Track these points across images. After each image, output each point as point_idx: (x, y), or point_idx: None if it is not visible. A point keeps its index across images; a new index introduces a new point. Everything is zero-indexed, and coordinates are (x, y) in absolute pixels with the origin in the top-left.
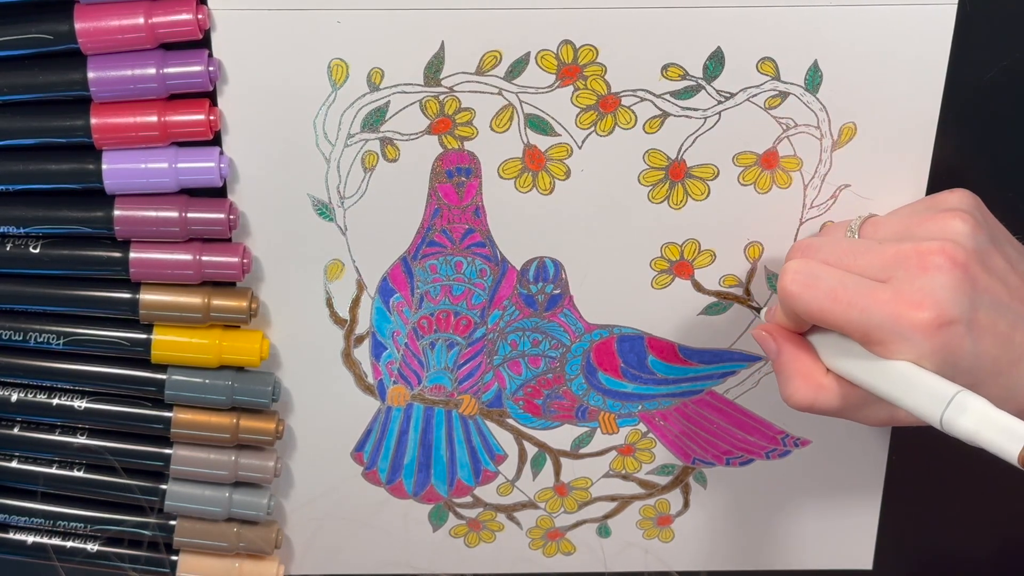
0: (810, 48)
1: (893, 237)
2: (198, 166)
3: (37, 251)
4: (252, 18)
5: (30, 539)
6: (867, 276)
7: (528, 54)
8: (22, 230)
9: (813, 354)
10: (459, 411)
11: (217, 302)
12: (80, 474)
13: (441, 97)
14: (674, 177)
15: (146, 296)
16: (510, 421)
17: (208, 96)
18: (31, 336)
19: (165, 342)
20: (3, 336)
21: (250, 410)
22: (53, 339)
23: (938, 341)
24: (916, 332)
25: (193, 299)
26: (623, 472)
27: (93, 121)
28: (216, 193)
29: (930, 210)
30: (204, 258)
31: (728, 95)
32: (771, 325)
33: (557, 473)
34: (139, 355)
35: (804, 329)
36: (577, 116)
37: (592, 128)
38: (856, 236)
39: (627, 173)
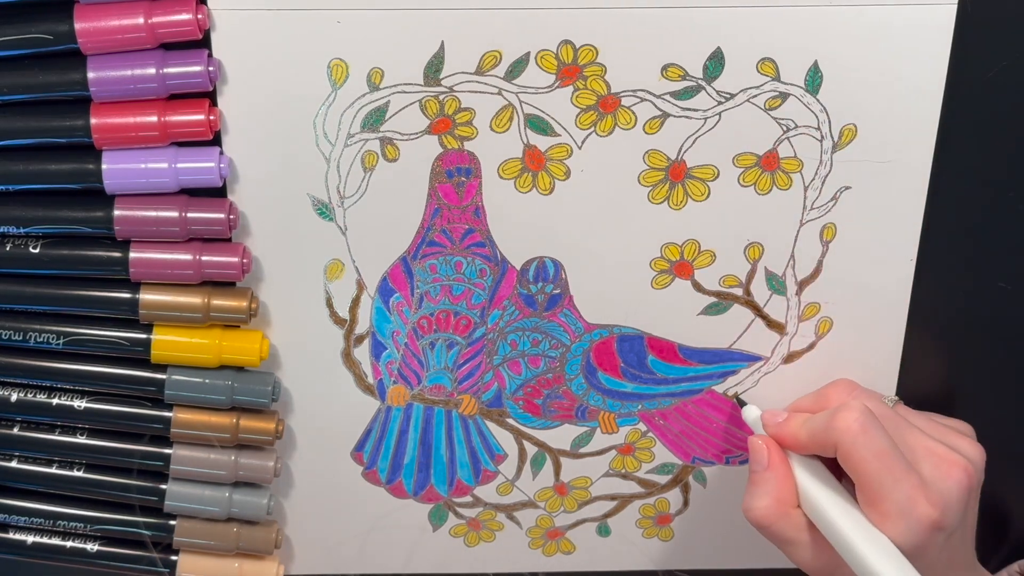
0: (810, 48)
1: (924, 429)
2: (198, 166)
3: (37, 251)
4: (252, 18)
5: (30, 539)
6: (900, 448)
7: (528, 54)
8: (22, 230)
9: (793, 482)
10: (459, 411)
11: (217, 302)
12: (80, 474)
13: (441, 97)
14: (674, 178)
15: (146, 296)
16: (510, 421)
17: (208, 96)
18: (31, 336)
19: (165, 342)
20: (3, 336)
21: (250, 410)
22: (53, 339)
23: (926, 536)
24: (919, 522)
25: (193, 299)
26: (623, 471)
27: (93, 121)
28: (216, 193)
29: (951, 428)
30: (204, 258)
31: (728, 96)
32: (769, 439)
33: (557, 473)
34: (139, 355)
35: (812, 453)
36: (577, 116)
37: (592, 128)
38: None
39: (627, 173)
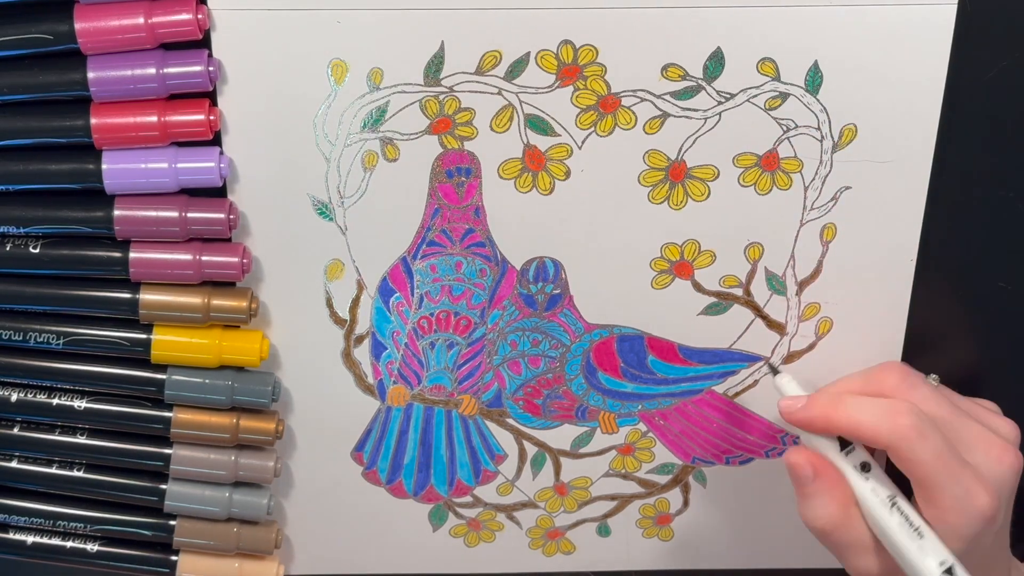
0: (810, 49)
1: (968, 411)
2: (198, 166)
3: (37, 251)
4: (252, 18)
5: (30, 539)
6: (953, 441)
7: (528, 54)
8: (22, 230)
9: (846, 481)
10: (459, 411)
11: (217, 302)
12: (80, 474)
13: (441, 97)
14: (674, 178)
15: (146, 296)
16: (510, 421)
17: (208, 96)
18: (31, 336)
19: (165, 342)
20: (3, 336)
21: (250, 410)
22: (53, 339)
23: (983, 527)
24: (979, 513)
25: (193, 299)
26: (623, 471)
27: (93, 121)
28: (216, 193)
29: (984, 408)
30: (204, 258)
31: (728, 96)
32: (802, 449)
33: (557, 473)
34: (139, 355)
35: (846, 436)
36: (577, 116)
37: (592, 128)
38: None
39: (627, 173)
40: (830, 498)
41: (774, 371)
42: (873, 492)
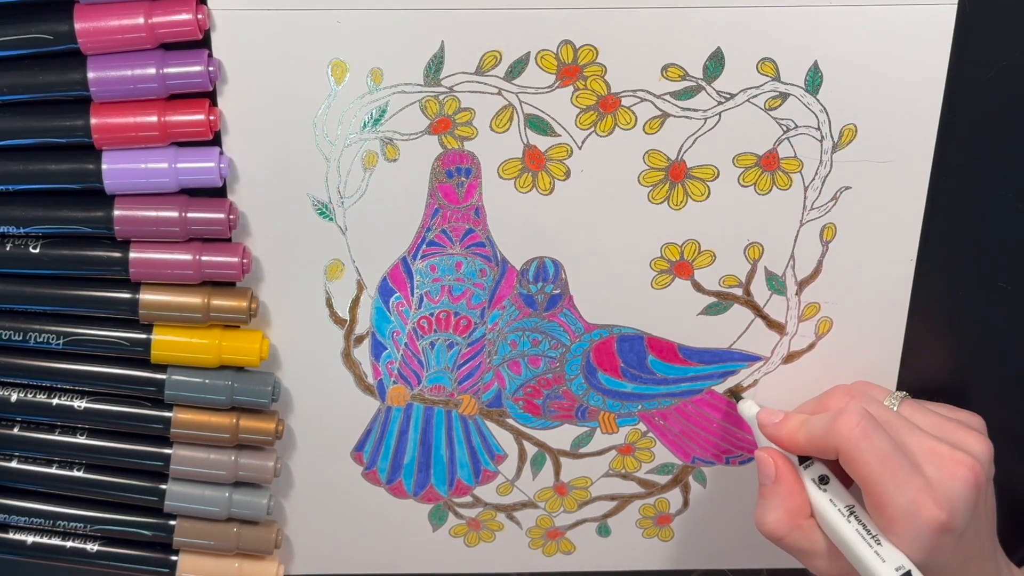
0: (810, 49)
1: (928, 429)
2: (198, 166)
3: (37, 251)
4: (252, 18)
5: (30, 539)
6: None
7: (528, 54)
8: (22, 230)
9: (804, 492)
10: (459, 411)
11: (217, 302)
12: (80, 474)
13: (441, 97)
14: (674, 178)
15: (146, 296)
16: (510, 421)
17: (208, 96)
18: (31, 336)
19: (165, 342)
20: (3, 336)
21: (250, 410)
22: (53, 339)
23: (936, 539)
24: (926, 525)
25: (193, 299)
26: (623, 471)
27: (93, 121)
28: (216, 193)
29: (959, 423)
30: (204, 258)
31: (728, 96)
32: (775, 451)
33: (557, 473)
34: (139, 355)
35: (810, 455)
36: (577, 116)
37: (592, 128)
38: (895, 408)
39: (627, 173)
40: (782, 503)
41: (737, 398)
42: (831, 503)
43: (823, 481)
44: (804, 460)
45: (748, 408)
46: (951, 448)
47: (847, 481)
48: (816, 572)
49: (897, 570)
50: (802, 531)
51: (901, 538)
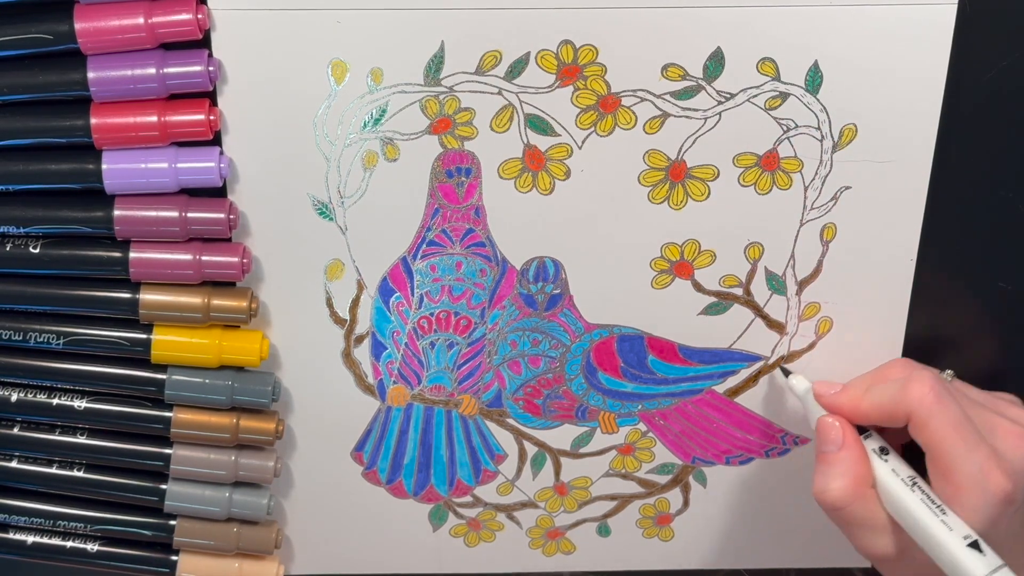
0: (810, 49)
1: (984, 403)
2: (198, 166)
3: (37, 251)
4: (252, 18)
5: (30, 539)
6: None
7: (528, 54)
8: (22, 230)
9: (868, 461)
10: (459, 411)
11: (217, 302)
12: (80, 474)
13: (441, 97)
14: (674, 178)
15: (146, 296)
16: (510, 421)
17: (208, 96)
18: (31, 336)
19: (165, 342)
20: (3, 336)
21: (250, 410)
22: (53, 339)
23: (1000, 510)
24: (993, 494)
25: (193, 299)
26: (623, 471)
27: (93, 121)
28: (216, 193)
29: (1007, 402)
30: (204, 258)
31: (728, 95)
32: (839, 417)
33: (557, 473)
34: (139, 355)
35: (873, 424)
36: (577, 116)
37: (592, 128)
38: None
39: (627, 173)
40: (848, 470)
41: (785, 373)
42: (893, 472)
43: (883, 452)
44: (861, 432)
45: (799, 383)
46: (1010, 422)
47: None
48: (868, 548)
49: (965, 539)
50: (865, 501)
51: (966, 507)
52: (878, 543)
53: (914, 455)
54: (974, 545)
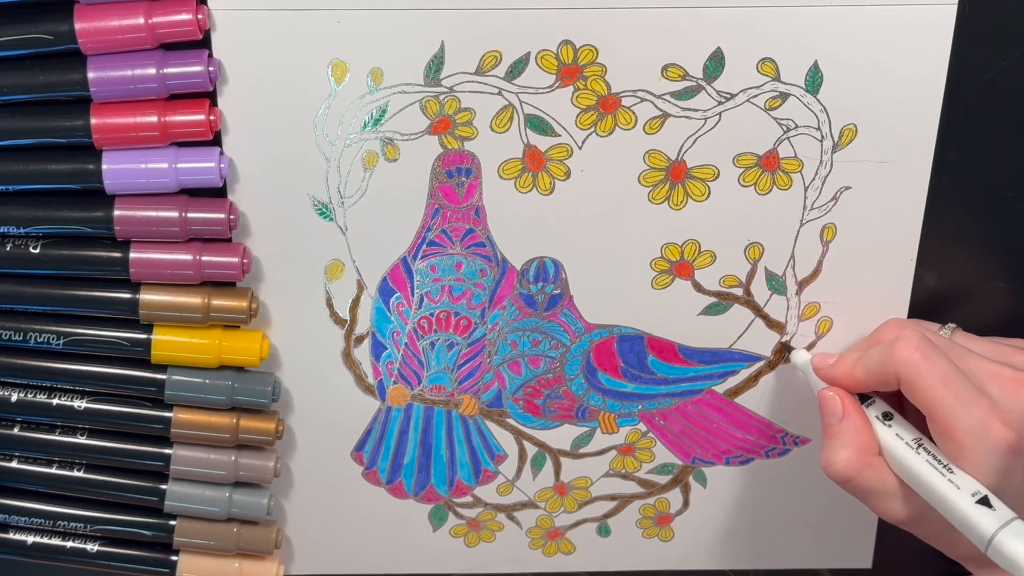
0: (810, 49)
1: (985, 354)
2: (198, 166)
3: (37, 251)
4: (252, 18)
5: (30, 539)
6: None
7: (528, 54)
8: (22, 230)
9: (871, 429)
10: (459, 411)
11: (217, 302)
12: (80, 474)
13: (441, 97)
14: (674, 178)
15: (146, 296)
16: (510, 421)
17: (208, 96)
18: (31, 336)
19: (165, 342)
20: (3, 336)
21: (250, 410)
22: (53, 339)
23: (1007, 462)
24: (996, 446)
25: (193, 299)
26: (623, 471)
27: (93, 121)
28: (216, 193)
29: (1014, 348)
30: (204, 258)
31: (728, 96)
32: (840, 390)
33: (557, 473)
34: (139, 355)
35: (870, 390)
36: (577, 116)
37: (592, 128)
38: (949, 338)
39: (627, 174)
40: (851, 441)
41: (788, 349)
42: (898, 437)
43: (887, 418)
44: (864, 400)
45: (800, 356)
46: (1012, 370)
47: (910, 419)
48: (886, 515)
49: (973, 495)
50: (873, 469)
51: (972, 463)
52: (895, 508)
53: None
54: (984, 501)
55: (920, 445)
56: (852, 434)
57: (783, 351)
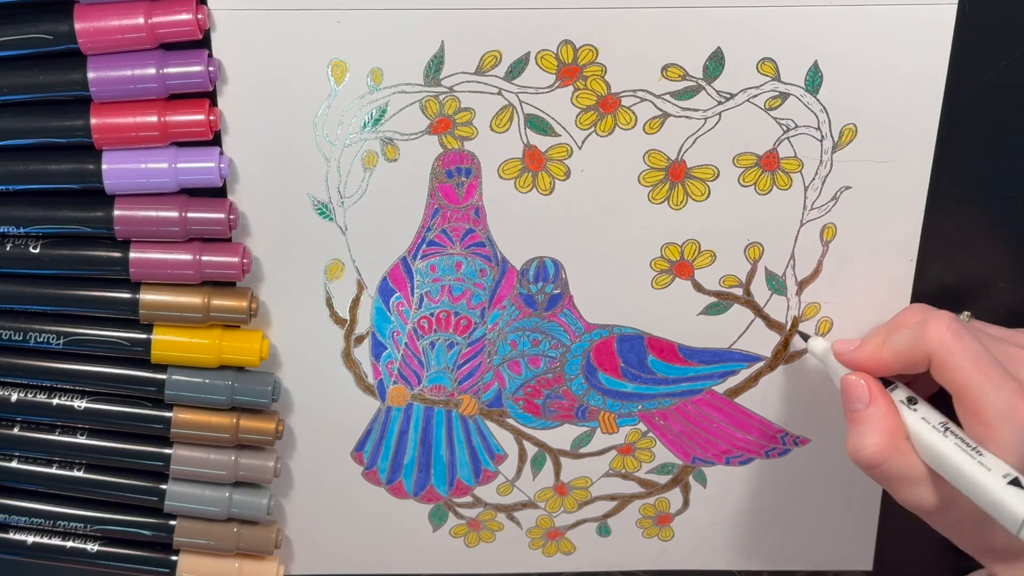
0: (810, 49)
1: (1004, 339)
2: (198, 166)
3: (37, 251)
4: (252, 18)
5: (30, 539)
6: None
7: (528, 54)
8: (22, 230)
9: (898, 413)
10: (459, 411)
11: (217, 302)
12: (80, 474)
13: (441, 97)
14: (674, 178)
15: (146, 296)
16: (510, 421)
17: (208, 96)
18: (31, 336)
19: (165, 342)
20: (3, 336)
21: (250, 410)
22: (53, 339)
23: None
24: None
25: (193, 299)
26: (623, 471)
27: (93, 121)
28: (216, 193)
29: None
30: (204, 258)
31: (728, 96)
32: (863, 374)
33: (557, 473)
34: (139, 355)
35: (896, 373)
36: (577, 116)
37: (592, 128)
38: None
39: (627, 173)
40: (879, 425)
41: (804, 337)
42: (924, 420)
43: (912, 402)
44: (887, 385)
45: (817, 344)
46: None
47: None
48: (913, 502)
49: (1005, 477)
50: (901, 454)
51: (1001, 445)
52: (922, 495)
53: (943, 404)
54: (1015, 483)
55: (947, 429)
56: (880, 419)
57: (800, 339)
